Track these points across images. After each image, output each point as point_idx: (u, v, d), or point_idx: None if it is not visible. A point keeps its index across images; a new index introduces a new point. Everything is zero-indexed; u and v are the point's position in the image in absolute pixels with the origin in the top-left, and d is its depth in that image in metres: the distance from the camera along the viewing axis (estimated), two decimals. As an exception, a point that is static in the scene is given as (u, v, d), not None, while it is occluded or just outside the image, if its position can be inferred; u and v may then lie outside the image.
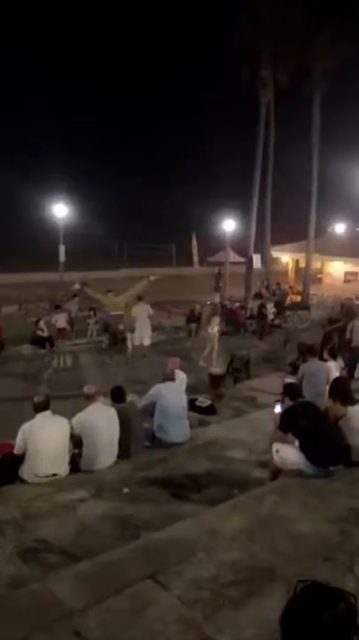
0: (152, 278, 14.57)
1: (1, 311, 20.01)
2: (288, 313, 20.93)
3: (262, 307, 19.10)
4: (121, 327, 13.51)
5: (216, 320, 14.36)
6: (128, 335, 13.80)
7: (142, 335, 14.24)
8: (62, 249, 24.64)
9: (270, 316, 19.04)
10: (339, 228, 38.94)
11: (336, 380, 6.37)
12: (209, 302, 18.88)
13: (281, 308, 21.11)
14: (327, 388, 6.88)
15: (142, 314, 14.24)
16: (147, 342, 14.33)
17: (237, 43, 23.44)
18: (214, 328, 13.92)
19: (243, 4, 23.97)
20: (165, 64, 63.07)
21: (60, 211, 25.85)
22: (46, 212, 27.48)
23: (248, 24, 23.36)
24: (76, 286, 15.75)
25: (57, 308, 16.83)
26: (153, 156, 58.55)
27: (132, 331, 13.99)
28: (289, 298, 23.33)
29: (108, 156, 56.66)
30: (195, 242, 40.29)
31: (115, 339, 13.87)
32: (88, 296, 15.02)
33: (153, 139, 62.53)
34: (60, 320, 15.76)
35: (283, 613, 1.41)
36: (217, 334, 13.85)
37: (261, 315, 18.59)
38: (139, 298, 14.85)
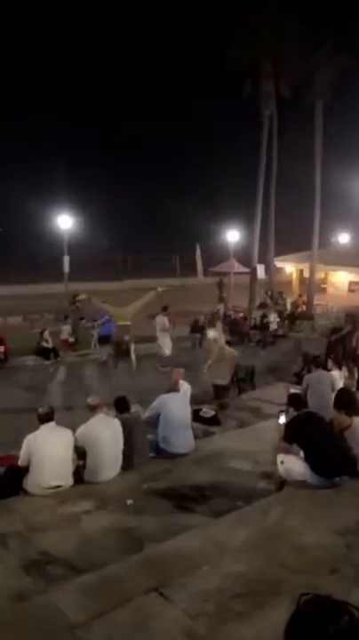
0: (160, 290, 14.58)
1: (6, 322, 20.08)
2: (298, 322, 21.00)
3: (264, 316, 19.09)
4: (126, 338, 13.49)
5: (219, 326, 14.38)
6: (132, 346, 13.80)
7: (163, 344, 14.89)
8: (67, 260, 24.75)
9: (274, 326, 18.99)
10: (343, 237, 39.03)
11: (341, 390, 6.35)
12: (217, 309, 18.94)
13: (292, 317, 21.26)
14: (332, 397, 6.88)
15: (160, 325, 15.05)
16: (167, 352, 14.84)
17: (237, 55, 23.62)
18: (215, 334, 13.91)
19: (242, 16, 24.19)
20: (168, 76, 63.58)
21: (65, 222, 26.01)
22: (51, 223, 27.68)
23: (247, 37, 23.56)
24: (82, 296, 15.65)
25: (66, 318, 16.89)
26: (156, 168, 58.85)
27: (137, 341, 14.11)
28: (300, 308, 23.21)
29: (112, 168, 56.96)
30: (199, 252, 40.40)
31: (120, 350, 13.85)
32: (98, 307, 14.92)
33: (156, 151, 62.88)
34: (65, 331, 15.85)
35: (287, 628, 1.40)
36: (216, 340, 13.85)
37: (263, 325, 18.57)
38: (164, 308, 15.55)
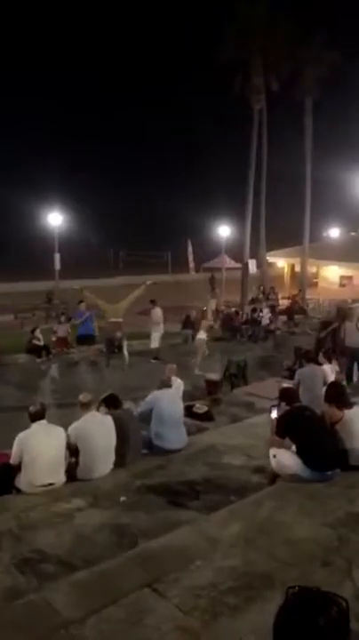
0: (149, 283, 14.63)
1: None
2: (296, 317, 21.06)
3: (254, 311, 19.15)
4: (118, 335, 13.46)
5: (205, 325, 14.43)
6: (124, 343, 13.78)
7: (152, 337, 14.78)
8: (57, 257, 24.67)
9: (265, 321, 19.03)
10: (334, 232, 39.19)
11: (331, 384, 6.38)
12: (204, 308, 18.90)
13: (291, 313, 21.34)
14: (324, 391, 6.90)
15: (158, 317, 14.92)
16: (153, 345, 14.74)
17: (228, 50, 23.61)
18: (203, 334, 13.95)
19: (231, 13, 24.15)
20: (158, 72, 63.38)
21: (55, 219, 25.88)
22: (41, 220, 27.53)
23: (237, 32, 23.55)
24: (87, 294, 15.35)
25: (62, 315, 16.82)
26: (147, 164, 58.74)
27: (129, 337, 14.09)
28: (297, 304, 23.06)
29: (102, 164, 56.78)
30: (190, 248, 40.38)
31: (112, 346, 13.82)
32: (93, 303, 14.79)
33: (147, 147, 62.77)
34: (62, 329, 15.77)
35: (276, 621, 1.40)
36: (204, 339, 13.88)
37: (254, 320, 18.64)
38: (153, 302, 15.24)
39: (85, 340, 14.33)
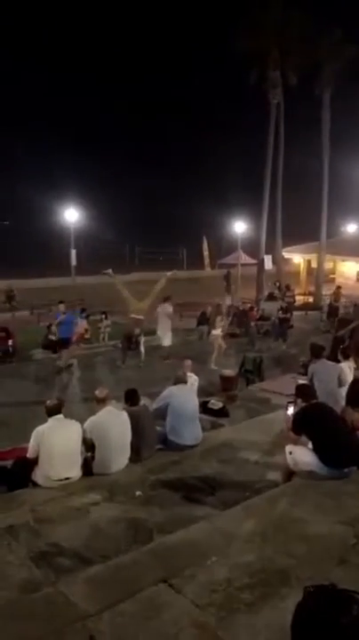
0: (169, 274, 14.44)
1: (14, 316, 20.15)
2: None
3: (282, 311, 18.22)
4: (137, 331, 13.45)
5: (220, 322, 14.34)
6: (142, 339, 13.77)
7: (163, 335, 14.50)
8: (74, 253, 24.85)
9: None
10: (351, 227, 38.74)
11: (352, 383, 6.32)
12: (220, 304, 18.79)
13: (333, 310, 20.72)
14: (339, 389, 6.84)
15: (163, 315, 14.57)
16: (165, 343, 14.51)
17: (244, 45, 23.44)
18: (218, 330, 13.89)
19: (247, 6, 23.97)
20: (175, 68, 63.29)
21: (71, 215, 26.03)
22: (57, 217, 27.71)
23: (254, 26, 23.37)
24: (109, 271, 14.91)
25: (83, 311, 16.89)
26: (163, 160, 58.70)
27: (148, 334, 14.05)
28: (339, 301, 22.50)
29: (118, 161, 56.89)
30: (206, 244, 40.26)
31: (129, 342, 13.83)
32: (121, 295, 14.43)
33: (163, 143, 62.71)
34: (81, 324, 15.85)
35: (295, 620, 1.38)
36: (220, 335, 13.82)
37: (282, 319, 17.79)
38: (166, 299, 14.85)
39: (65, 343, 13.44)
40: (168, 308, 14.80)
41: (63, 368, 13.00)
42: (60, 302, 14.25)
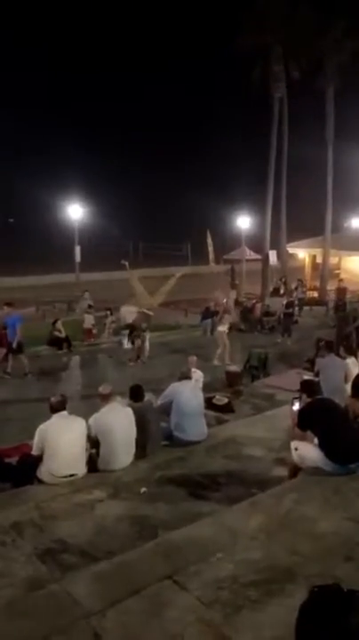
0: (178, 274, 14.59)
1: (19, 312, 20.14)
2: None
3: (289, 306, 18.12)
4: (144, 325, 13.46)
5: (227, 318, 14.32)
6: (147, 335, 13.79)
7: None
8: (78, 250, 24.77)
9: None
10: (357, 222, 38.52)
11: (357, 375, 6.29)
12: (225, 300, 18.74)
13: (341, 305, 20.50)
14: (345, 385, 6.82)
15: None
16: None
17: (247, 39, 23.28)
18: (225, 326, 13.88)
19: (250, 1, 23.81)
20: (178, 63, 63.12)
21: (76, 212, 25.97)
22: (61, 213, 27.66)
23: (257, 20, 23.22)
24: (124, 262, 14.64)
25: (90, 307, 16.92)
26: (167, 156, 58.54)
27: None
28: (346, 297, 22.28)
29: (122, 157, 56.82)
30: (210, 240, 40.14)
31: (131, 331, 13.85)
32: (134, 288, 14.36)
33: (167, 138, 62.57)
34: (88, 320, 15.88)
35: (299, 623, 1.36)
36: (226, 332, 13.81)
37: (287, 314, 17.76)
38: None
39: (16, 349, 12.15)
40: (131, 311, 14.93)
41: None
42: (7, 304, 12.62)
